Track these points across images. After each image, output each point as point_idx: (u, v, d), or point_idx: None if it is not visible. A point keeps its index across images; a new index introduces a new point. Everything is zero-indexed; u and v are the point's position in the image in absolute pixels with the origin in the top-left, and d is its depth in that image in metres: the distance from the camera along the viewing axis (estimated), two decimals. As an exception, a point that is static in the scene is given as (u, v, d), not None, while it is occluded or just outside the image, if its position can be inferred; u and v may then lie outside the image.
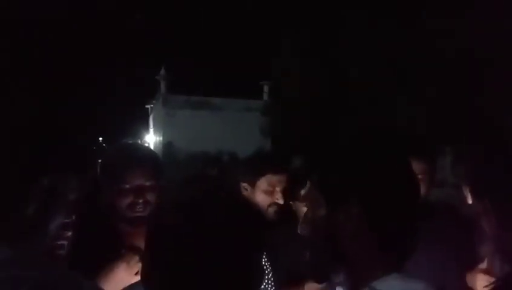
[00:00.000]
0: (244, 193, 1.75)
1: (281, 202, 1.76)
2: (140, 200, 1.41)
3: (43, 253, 1.02)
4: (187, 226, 0.76)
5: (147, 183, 1.43)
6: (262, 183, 1.76)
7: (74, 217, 1.15)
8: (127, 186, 1.41)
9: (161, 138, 17.41)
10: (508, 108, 5.99)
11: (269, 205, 1.75)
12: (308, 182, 1.59)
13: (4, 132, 1.12)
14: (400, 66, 8.33)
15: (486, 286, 1.40)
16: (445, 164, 6.80)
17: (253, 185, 1.76)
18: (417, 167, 1.19)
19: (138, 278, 1.30)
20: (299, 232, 1.80)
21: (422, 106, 7.82)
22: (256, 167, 1.81)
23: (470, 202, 1.52)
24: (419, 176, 1.46)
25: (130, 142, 2.47)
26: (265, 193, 1.74)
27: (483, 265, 1.47)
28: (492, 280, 1.41)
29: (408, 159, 0.89)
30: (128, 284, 1.32)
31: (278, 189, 1.76)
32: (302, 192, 1.80)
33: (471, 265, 1.50)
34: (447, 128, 7.07)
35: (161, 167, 1.55)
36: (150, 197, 1.43)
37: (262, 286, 1.74)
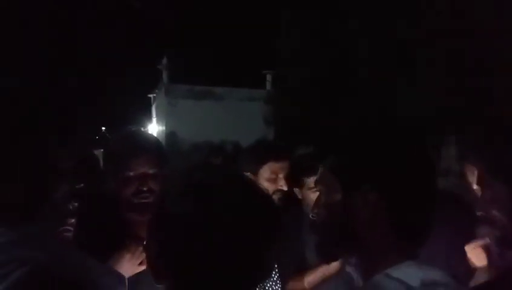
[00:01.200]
0: None
1: (285, 188, 1.77)
2: (145, 188, 1.41)
3: (50, 235, 1.02)
4: (193, 214, 0.75)
5: (151, 171, 1.43)
6: (265, 171, 1.77)
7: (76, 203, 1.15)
8: (131, 173, 1.40)
9: (163, 128, 17.41)
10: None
11: (273, 193, 1.77)
12: (320, 168, 1.60)
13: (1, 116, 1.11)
14: (408, 49, 8.23)
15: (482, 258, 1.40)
16: (450, 152, 6.77)
17: (256, 173, 1.77)
18: None
19: (142, 268, 1.30)
20: (310, 217, 1.81)
21: (428, 92, 7.75)
22: (258, 155, 1.83)
23: (475, 188, 1.51)
24: None
25: (134, 129, 2.48)
26: (268, 181, 1.76)
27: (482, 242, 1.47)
28: (488, 257, 1.42)
29: (424, 145, 0.88)
30: (132, 273, 1.32)
31: (281, 176, 1.77)
32: (311, 179, 1.80)
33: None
34: (453, 116, 7.03)
35: (165, 155, 1.55)
36: (155, 185, 1.42)
37: (269, 284, 1.74)
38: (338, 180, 0.85)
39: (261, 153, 1.82)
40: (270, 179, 1.77)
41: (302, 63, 11.49)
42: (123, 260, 1.29)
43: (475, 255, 1.45)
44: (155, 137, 1.76)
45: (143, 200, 1.39)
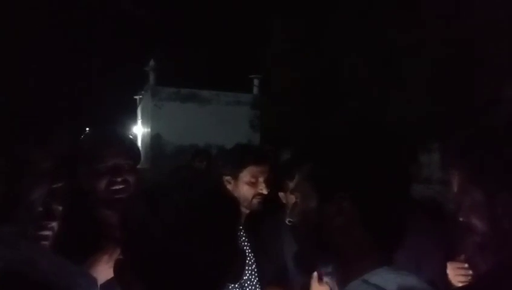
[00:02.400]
0: (228, 185, 1.76)
1: (265, 192, 1.78)
2: (118, 179, 1.37)
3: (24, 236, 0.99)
4: (143, 217, 0.74)
5: (124, 162, 1.40)
6: (245, 175, 1.78)
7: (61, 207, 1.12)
8: (103, 165, 1.38)
9: (149, 130, 17.30)
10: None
11: (253, 196, 1.77)
12: (296, 176, 1.61)
13: None
14: (394, 58, 8.33)
15: (462, 280, 1.42)
16: (432, 160, 6.87)
17: (236, 177, 1.77)
18: None
19: None
20: (287, 222, 1.82)
21: (414, 101, 7.85)
22: (237, 159, 1.83)
23: (459, 194, 1.52)
24: None
25: (105, 127, 2.48)
26: (248, 185, 1.76)
27: (462, 257, 1.49)
28: (470, 272, 1.43)
29: (399, 153, 0.89)
30: (109, 277, 1.29)
31: (260, 180, 1.77)
32: (291, 184, 1.81)
33: (451, 257, 1.52)
34: (437, 124, 7.13)
35: (137, 149, 1.53)
36: (129, 177, 1.40)
37: (246, 277, 1.74)
38: (313, 188, 0.86)
39: (241, 156, 1.82)
40: (251, 182, 1.77)
41: (290, 69, 11.55)
42: (99, 263, 1.25)
43: (455, 273, 1.46)
44: (127, 134, 1.75)
45: (117, 195, 1.36)
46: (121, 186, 1.37)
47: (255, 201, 1.76)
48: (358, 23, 9.10)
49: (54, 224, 1.12)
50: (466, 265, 1.45)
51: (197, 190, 0.77)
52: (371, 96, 8.75)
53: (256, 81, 16.97)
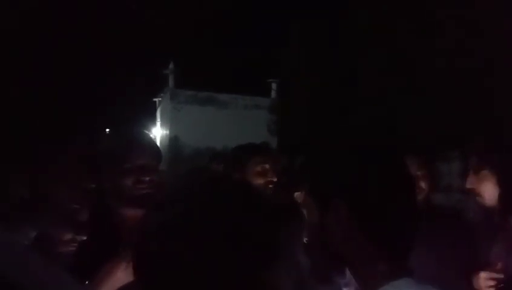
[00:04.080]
0: None
1: (275, 179, 1.80)
2: (146, 178, 1.38)
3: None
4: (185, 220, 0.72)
5: (149, 163, 1.42)
6: (252, 166, 1.81)
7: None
8: (130, 165, 1.39)
9: (167, 132, 17.44)
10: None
11: (265, 185, 1.79)
12: (301, 191, 1.64)
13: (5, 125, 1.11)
14: (414, 67, 8.25)
15: (492, 286, 1.39)
16: (452, 169, 6.75)
17: (244, 172, 1.80)
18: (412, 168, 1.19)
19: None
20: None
21: (433, 108, 7.75)
22: (241, 154, 1.88)
23: (487, 202, 1.49)
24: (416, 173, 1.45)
25: (126, 129, 2.52)
26: (257, 175, 1.80)
27: (490, 265, 1.46)
28: (498, 277, 1.40)
29: (403, 161, 0.87)
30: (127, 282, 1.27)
31: (268, 167, 1.80)
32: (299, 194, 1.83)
33: (475, 265, 1.49)
34: (456, 132, 7.01)
35: (160, 150, 1.56)
36: (155, 177, 1.41)
37: None
38: (312, 199, 0.86)
39: (244, 151, 1.88)
40: (259, 172, 1.81)
41: (309, 74, 11.51)
42: (117, 269, 1.19)
43: (486, 283, 1.43)
44: (148, 133, 1.78)
45: (143, 191, 1.36)
46: (147, 185, 1.38)
47: (268, 191, 1.78)
48: (377, 29, 9.03)
49: (81, 237, 1.11)
50: (501, 275, 1.41)
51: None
52: (390, 104, 8.66)
53: (274, 85, 16.97)
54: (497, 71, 6.88)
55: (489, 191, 1.49)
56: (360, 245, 0.80)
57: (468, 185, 1.54)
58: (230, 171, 1.90)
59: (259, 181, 1.78)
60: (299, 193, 1.95)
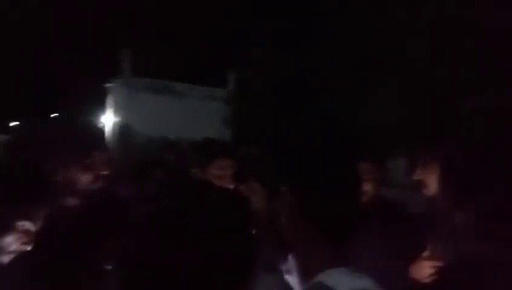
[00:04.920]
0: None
1: (232, 187, 1.77)
2: (97, 172, 1.39)
3: None
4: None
5: (100, 155, 1.41)
6: (213, 168, 1.77)
7: None
8: (84, 159, 1.37)
9: (119, 119, 16.97)
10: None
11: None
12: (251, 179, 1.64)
13: None
14: (372, 61, 8.43)
15: (430, 274, 1.47)
16: (397, 165, 7.03)
17: (204, 170, 1.77)
18: (363, 167, 1.23)
19: None
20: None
21: (388, 105, 7.97)
22: (206, 152, 1.83)
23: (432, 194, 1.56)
24: (366, 176, 1.50)
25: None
26: (216, 178, 1.75)
27: (426, 253, 1.53)
28: (436, 264, 1.47)
29: (351, 159, 0.91)
30: None
31: (228, 173, 1.77)
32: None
33: (417, 255, 1.56)
34: (405, 130, 7.29)
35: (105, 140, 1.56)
36: (103, 169, 1.41)
37: None
38: (262, 186, 0.89)
39: (210, 149, 1.83)
40: (218, 176, 1.77)
41: (266, 67, 11.54)
42: None
43: (421, 270, 1.50)
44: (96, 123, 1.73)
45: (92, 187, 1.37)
46: (97, 179, 1.37)
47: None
48: (338, 26, 9.17)
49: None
50: (441, 263, 1.49)
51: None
52: (345, 100, 8.86)
53: (231, 77, 16.90)
54: (442, 66, 7.16)
55: (434, 183, 1.56)
56: (302, 231, 0.84)
57: (415, 177, 1.62)
58: (186, 162, 1.85)
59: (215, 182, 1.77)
60: (245, 185, 1.95)
